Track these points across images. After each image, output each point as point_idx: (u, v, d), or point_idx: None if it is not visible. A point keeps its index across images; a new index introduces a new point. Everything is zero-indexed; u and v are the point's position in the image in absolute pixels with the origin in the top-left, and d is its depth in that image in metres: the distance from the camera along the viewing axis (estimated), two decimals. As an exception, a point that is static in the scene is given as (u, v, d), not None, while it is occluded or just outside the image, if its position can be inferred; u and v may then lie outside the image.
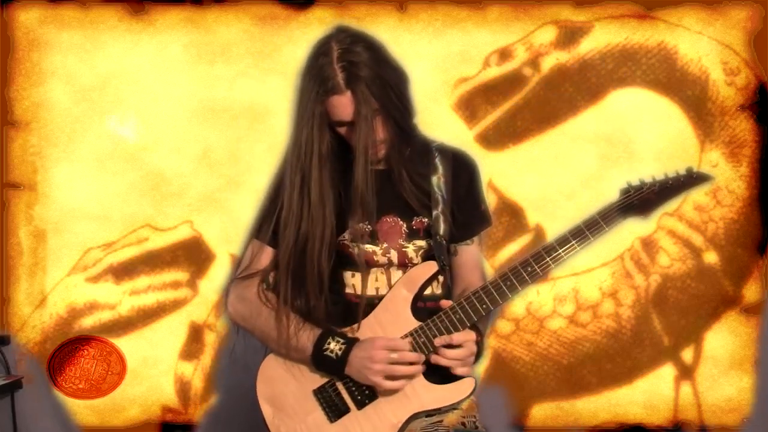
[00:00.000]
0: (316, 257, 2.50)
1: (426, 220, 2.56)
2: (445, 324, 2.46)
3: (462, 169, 2.64)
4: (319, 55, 2.47)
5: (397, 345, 2.46)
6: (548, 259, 2.44)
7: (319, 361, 2.50)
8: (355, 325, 2.52)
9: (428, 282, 2.54)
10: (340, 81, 2.43)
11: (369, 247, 2.54)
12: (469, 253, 2.65)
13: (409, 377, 2.47)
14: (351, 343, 2.48)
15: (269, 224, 2.58)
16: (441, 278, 2.59)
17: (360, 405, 2.49)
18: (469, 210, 2.64)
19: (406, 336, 2.48)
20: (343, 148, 2.52)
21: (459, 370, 2.46)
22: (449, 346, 2.46)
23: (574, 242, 2.44)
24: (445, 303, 2.49)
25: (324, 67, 2.45)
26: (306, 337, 2.50)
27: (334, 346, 2.48)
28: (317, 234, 2.50)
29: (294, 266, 2.52)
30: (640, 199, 2.45)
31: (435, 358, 2.46)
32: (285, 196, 2.53)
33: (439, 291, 2.59)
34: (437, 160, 2.60)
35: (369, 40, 2.50)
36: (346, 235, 2.54)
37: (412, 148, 2.58)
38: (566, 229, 2.46)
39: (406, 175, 2.56)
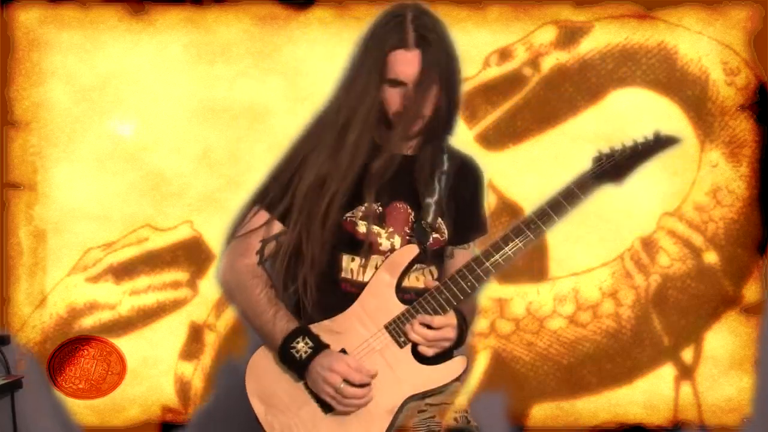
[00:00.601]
0: (329, 200, 2.47)
1: None
2: (432, 305, 2.45)
3: (469, 174, 2.65)
4: (392, 16, 2.48)
5: (353, 377, 2.42)
6: (528, 232, 2.45)
7: (283, 356, 2.47)
8: (339, 316, 2.51)
9: (410, 266, 2.53)
10: (410, 38, 2.43)
11: (375, 228, 2.53)
12: (464, 256, 2.63)
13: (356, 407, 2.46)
14: (319, 349, 2.45)
15: (280, 196, 2.53)
16: (435, 272, 2.58)
17: None
18: (470, 216, 2.64)
19: (391, 322, 2.47)
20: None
21: (422, 348, 2.45)
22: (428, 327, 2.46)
23: (551, 213, 2.46)
24: (430, 283, 2.49)
25: (397, 24, 2.45)
26: (280, 328, 2.47)
27: (301, 347, 2.45)
28: (338, 176, 2.47)
29: (304, 205, 2.48)
30: (613, 166, 2.49)
31: (407, 329, 2.45)
32: (321, 140, 2.50)
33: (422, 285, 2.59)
34: (445, 157, 2.60)
35: (441, 21, 2.52)
36: (357, 213, 2.53)
37: (438, 143, 2.59)
38: (543, 201, 2.47)
39: (428, 166, 2.55)
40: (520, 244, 2.45)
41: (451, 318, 2.47)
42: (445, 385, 2.49)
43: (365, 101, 2.47)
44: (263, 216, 2.54)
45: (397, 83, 2.46)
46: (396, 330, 2.47)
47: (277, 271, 2.53)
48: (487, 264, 2.45)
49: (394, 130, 2.48)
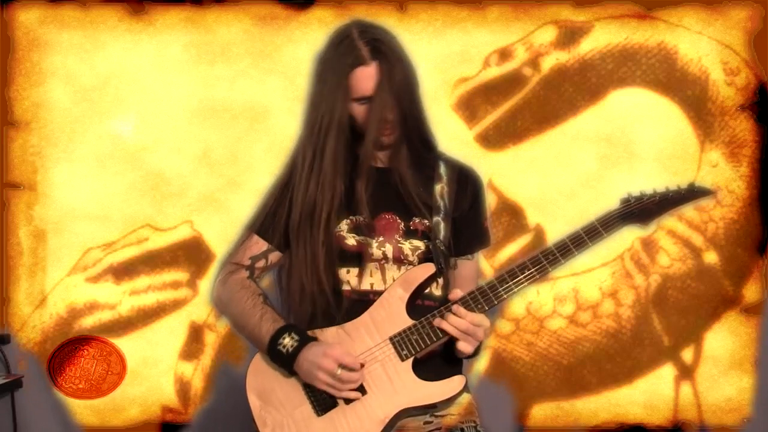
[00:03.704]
0: (324, 224, 2.51)
1: (426, 221, 2.56)
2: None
3: (468, 183, 2.64)
4: (340, 39, 2.51)
5: (347, 361, 2.44)
6: (545, 262, 2.45)
7: (272, 354, 2.50)
8: (348, 323, 2.52)
9: (425, 283, 2.54)
10: (365, 54, 2.46)
11: (364, 239, 2.55)
12: (468, 267, 2.65)
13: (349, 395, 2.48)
14: (304, 342, 2.47)
15: (270, 220, 2.59)
16: (440, 280, 2.59)
17: (348, 399, 2.50)
18: (472, 226, 2.64)
19: (396, 335, 2.48)
20: (354, 137, 2.53)
21: (461, 344, 2.45)
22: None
23: (572, 247, 2.45)
24: (455, 295, 2.48)
25: (348, 44, 2.48)
26: (267, 328, 2.51)
27: (287, 342, 2.47)
28: (326, 199, 2.51)
29: (299, 238, 2.52)
30: (640, 209, 2.47)
31: (438, 322, 2.45)
32: (296, 174, 2.54)
33: (438, 293, 2.59)
34: (442, 170, 2.61)
35: (388, 30, 2.54)
36: (343, 226, 2.55)
37: (420, 153, 2.59)
38: (565, 234, 2.46)
39: (409, 177, 2.56)
40: (536, 274, 2.45)
41: (485, 320, 2.47)
42: (442, 402, 2.50)
43: (333, 124, 2.50)
44: (253, 238, 2.62)
45: (364, 99, 2.49)
46: (400, 343, 2.48)
47: (285, 290, 2.59)
48: (500, 290, 2.46)
49: (365, 139, 2.50)
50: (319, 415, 2.49)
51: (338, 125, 2.50)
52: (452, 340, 2.49)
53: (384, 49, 2.47)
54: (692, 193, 2.48)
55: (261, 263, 2.62)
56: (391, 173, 2.57)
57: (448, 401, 2.51)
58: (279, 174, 2.64)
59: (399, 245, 2.55)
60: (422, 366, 2.49)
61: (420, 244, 2.56)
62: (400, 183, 2.56)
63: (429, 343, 2.48)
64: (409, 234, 2.57)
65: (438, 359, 2.53)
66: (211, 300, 2.72)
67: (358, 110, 2.51)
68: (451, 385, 2.49)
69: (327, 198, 2.51)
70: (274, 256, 2.62)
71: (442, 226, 2.55)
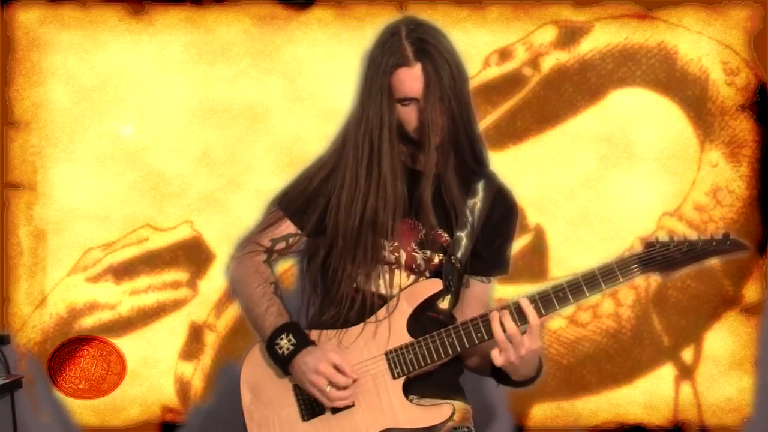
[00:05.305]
0: (386, 232, 2.46)
1: (446, 235, 2.53)
2: (436, 345, 2.41)
3: (501, 205, 2.59)
4: (388, 36, 2.45)
5: (337, 380, 2.41)
6: (554, 300, 2.36)
7: (269, 352, 2.48)
8: (333, 332, 2.50)
9: (431, 299, 2.51)
10: (409, 54, 2.40)
11: (380, 241, 2.52)
12: (480, 289, 2.60)
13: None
14: (301, 346, 2.44)
15: (305, 206, 2.54)
16: (448, 297, 2.54)
17: (335, 409, 2.46)
18: (492, 249, 2.59)
19: (392, 351, 2.46)
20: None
21: (495, 352, 2.35)
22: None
23: (584, 287, 2.34)
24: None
25: (393, 43, 2.42)
26: (270, 323, 2.48)
27: (284, 344, 2.45)
28: (389, 208, 2.45)
29: (356, 243, 2.47)
30: (664, 256, 2.33)
31: (494, 317, 2.37)
32: (348, 174, 2.48)
33: (444, 306, 2.56)
34: (480, 186, 2.56)
35: (438, 29, 2.48)
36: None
37: (467, 162, 2.54)
38: (579, 272, 2.37)
39: (454, 185, 2.51)
40: (542, 309, 2.37)
41: (537, 341, 2.37)
42: (427, 429, 2.45)
43: (384, 127, 2.44)
44: (283, 221, 2.57)
45: (407, 101, 2.44)
46: (395, 360, 2.44)
47: (309, 280, 2.58)
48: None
49: (423, 147, 2.44)
50: (304, 420, 2.47)
51: (389, 128, 2.44)
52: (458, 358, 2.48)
53: (430, 50, 2.40)
54: (724, 246, 2.31)
55: (281, 246, 2.57)
56: (434, 179, 2.51)
57: (435, 429, 2.46)
58: (320, 160, 2.57)
59: (413, 254, 2.52)
60: (414, 386, 2.46)
61: (434, 257, 2.52)
62: (443, 190, 2.50)
63: (423, 364, 2.43)
64: (425, 244, 2.52)
65: (432, 382, 2.50)
66: (225, 273, 2.70)
67: (402, 111, 2.45)
68: (439, 412, 2.44)
69: (390, 205, 2.46)
70: (297, 240, 2.58)
71: (463, 243, 2.50)
